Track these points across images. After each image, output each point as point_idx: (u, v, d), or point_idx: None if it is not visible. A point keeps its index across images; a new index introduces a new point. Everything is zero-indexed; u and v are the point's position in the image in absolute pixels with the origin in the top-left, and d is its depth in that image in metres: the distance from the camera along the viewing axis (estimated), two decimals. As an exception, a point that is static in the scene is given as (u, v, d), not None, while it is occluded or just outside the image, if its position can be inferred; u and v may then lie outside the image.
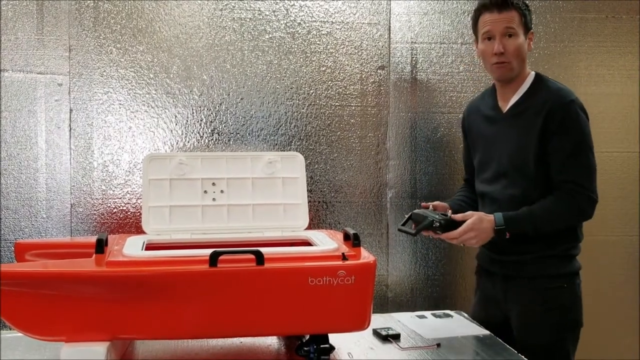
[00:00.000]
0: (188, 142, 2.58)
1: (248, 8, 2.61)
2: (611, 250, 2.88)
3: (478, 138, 2.30)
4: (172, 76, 2.56)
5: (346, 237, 1.86)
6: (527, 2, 2.21)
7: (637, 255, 2.89)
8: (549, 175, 2.10)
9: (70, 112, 2.50)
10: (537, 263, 2.12)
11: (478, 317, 2.25)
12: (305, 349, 1.77)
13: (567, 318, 2.13)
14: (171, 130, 2.56)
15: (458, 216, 2.06)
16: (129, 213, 2.54)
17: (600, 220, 2.85)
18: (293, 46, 2.65)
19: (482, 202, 2.26)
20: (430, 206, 2.15)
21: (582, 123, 2.10)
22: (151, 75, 2.54)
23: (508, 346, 1.93)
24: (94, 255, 1.68)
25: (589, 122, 2.14)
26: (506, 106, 2.21)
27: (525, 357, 1.87)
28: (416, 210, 2.14)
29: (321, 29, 2.67)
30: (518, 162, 2.13)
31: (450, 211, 2.12)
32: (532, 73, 2.21)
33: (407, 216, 2.16)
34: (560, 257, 2.13)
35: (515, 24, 2.13)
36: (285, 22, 2.64)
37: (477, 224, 2.03)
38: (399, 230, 2.18)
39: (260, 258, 1.65)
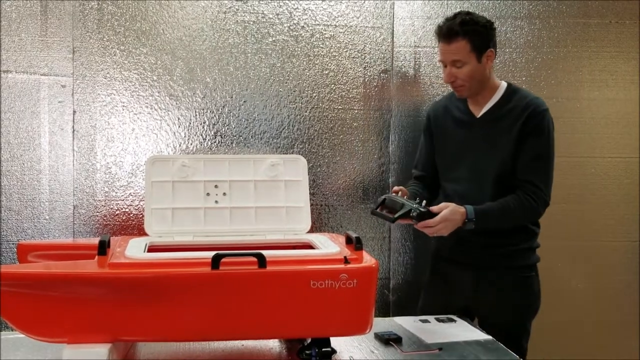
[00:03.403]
0: (191, 144, 2.58)
1: (252, 11, 2.61)
2: (613, 255, 2.89)
3: (448, 139, 2.37)
4: (175, 78, 2.56)
5: (348, 240, 1.85)
6: (484, 21, 2.22)
7: (638, 261, 2.89)
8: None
9: (74, 114, 2.51)
10: (510, 255, 2.28)
11: (435, 304, 2.35)
12: (306, 352, 1.77)
13: (535, 303, 2.34)
14: (174, 133, 2.57)
15: (434, 208, 2.14)
16: (131, 215, 2.54)
17: (602, 225, 2.88)
18: (296, 49, 2.65)
19: (447, 199, 2.30)
20: (400, 192, 2.20)
21: (551, 133, 2.24)
22: (154, 78, 2.55)
23: (509, 351, 1.92)
24: (96, 257, 1.68)
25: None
26: (479, 111, 2.30)
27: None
28: (389, 195, 2.17)
29: (324, 32, 2.67)
30: (497, 163, 2.23)
31: (425, 201, 2.13)
32: (504, 83, 2.31)
33: (379, 200, 2.19)
34: (529, 250, 2.32)
35: (462, 55, 2.20)
36: (288, 25, 2.64)
37: (451, 215, 2.11)
38: (374, 213, 2.20)
39: (262, 261, 1.65)
